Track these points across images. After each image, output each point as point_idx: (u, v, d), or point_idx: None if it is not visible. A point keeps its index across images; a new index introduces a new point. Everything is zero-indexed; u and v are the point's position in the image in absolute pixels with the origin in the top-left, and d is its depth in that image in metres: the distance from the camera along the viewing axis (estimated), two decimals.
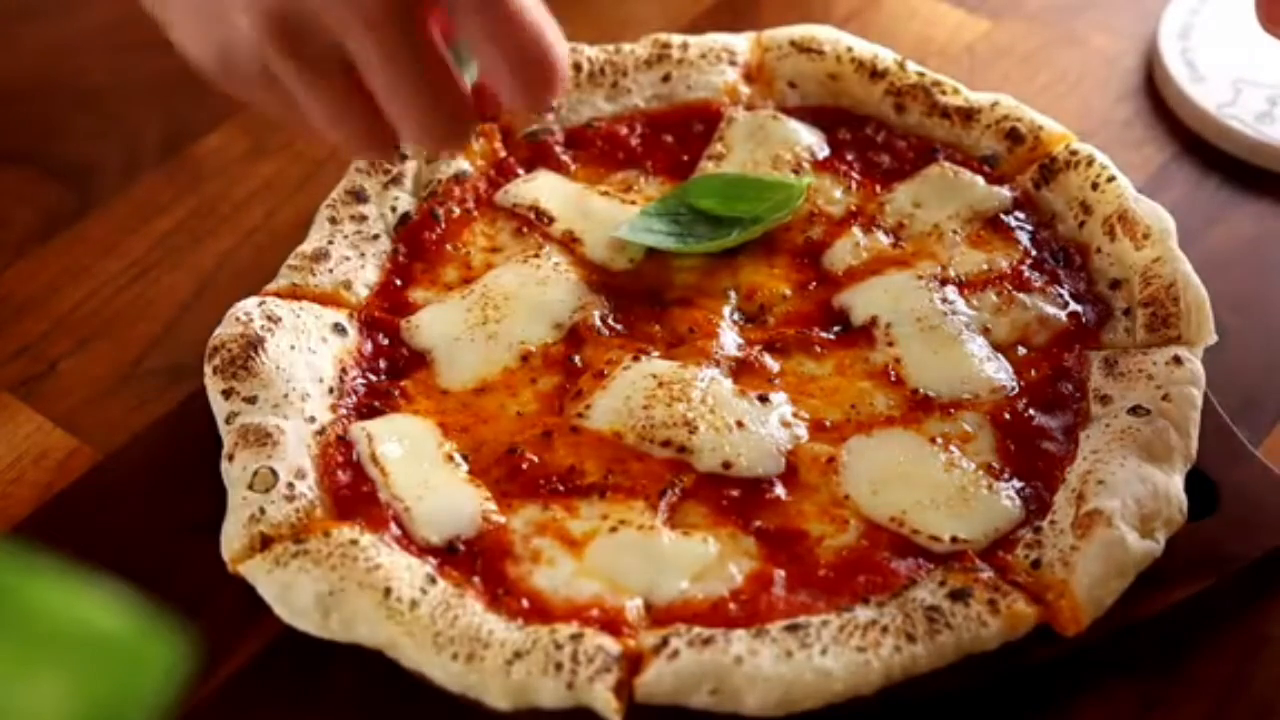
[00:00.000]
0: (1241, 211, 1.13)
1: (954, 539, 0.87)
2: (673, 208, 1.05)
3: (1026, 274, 1.01)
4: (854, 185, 1.08)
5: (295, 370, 0.93)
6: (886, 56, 1.12)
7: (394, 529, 0.87)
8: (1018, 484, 0.90)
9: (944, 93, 1.10)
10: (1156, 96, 1.21)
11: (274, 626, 0.85)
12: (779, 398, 0.95)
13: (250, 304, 0.97)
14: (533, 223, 1.05)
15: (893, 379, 0.96)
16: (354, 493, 0.89)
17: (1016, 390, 0.95)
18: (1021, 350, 0.97)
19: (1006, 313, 0.99)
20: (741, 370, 0.96)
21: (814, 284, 1.02)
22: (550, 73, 0.79)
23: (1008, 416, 0.93)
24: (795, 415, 0.94)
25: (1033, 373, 0.96)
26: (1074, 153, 1.05)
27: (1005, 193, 1.05)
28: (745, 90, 1.13)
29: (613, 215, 1.05)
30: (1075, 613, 0.83)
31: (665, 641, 0.81)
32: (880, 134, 1.10)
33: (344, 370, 0.96)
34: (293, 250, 1.01)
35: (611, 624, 0.83)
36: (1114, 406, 0.92)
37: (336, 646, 0.84)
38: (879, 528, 0.88)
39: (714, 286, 1.02)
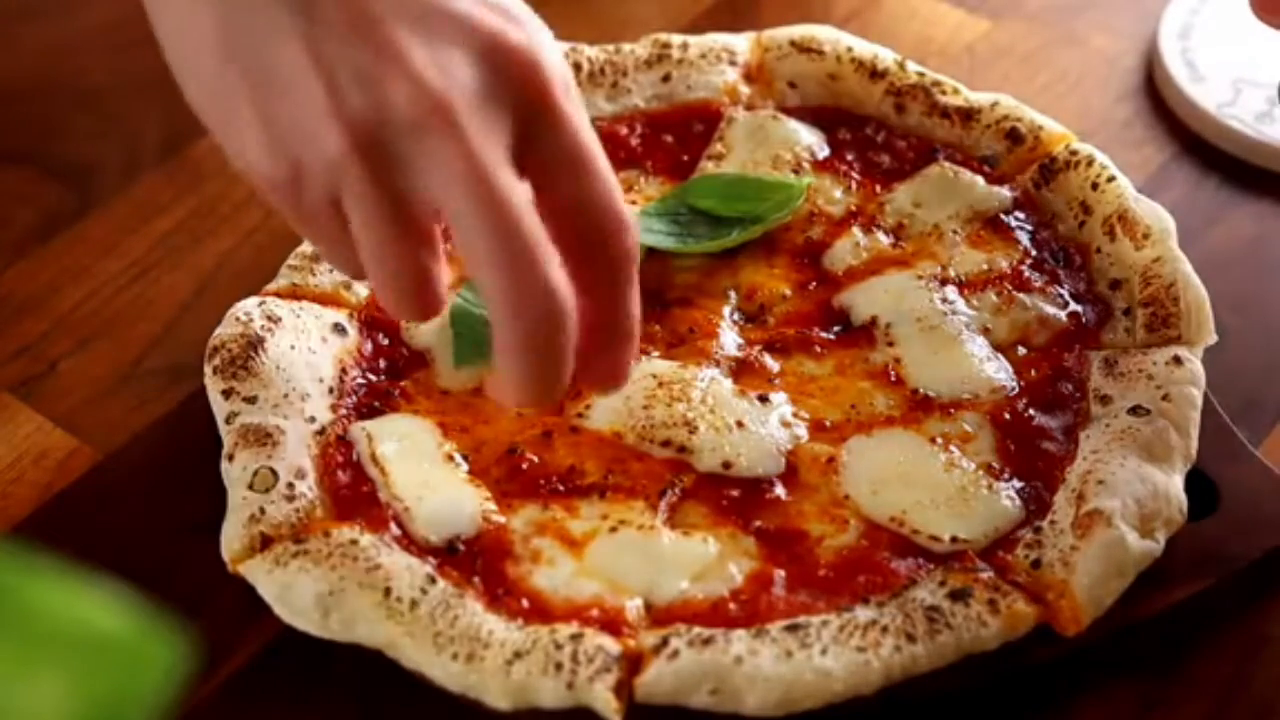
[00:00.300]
0: (1241, 211, 1.12)
1: (954, 539, 0.87)
2: (672, 208, 1.05)
3: (1026, 274, 1.01)
4: (854, 185, 1.07)
5: (295, 370, 0.93)
6: (886, 56, 1.12)
7: (394, 529, 0.87)
8: (1018, 484, 0.90)
9: (944, 93, 1.10)
10: (1156, 96, 1.21)
11: (274, 626, 0.85)
12: (779, 398, 0.94)
13: (250, 304, 0.97)
14: None
15: (893, 379, 0.96)
16: (354, 493, 0.89)
17: (1016, 390, 0.95)
18: (1021, 350, 0.97)
19: (1006, 313, 0.99)
20: (741, 370, 0.96)
21: (814, 284, 1.02)
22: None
23: (1008, 416, 0.93)
24: (795, 415, 0.94)
25: (1033, 373, 0.96)
26: (1074, 153, 1.05)
27: (1005, 193, 1.05)
28: (745, 90, 1.13)
29: None
30: (1075, 613, 0.83)
31: (665, 641, 0.81)
32: (880, 134, 1.10)
33: (344, 370, 0.96)
34: (293, 250, 1.01)
35: (611, 624, 0.83)
36: (1114, 406, 0.92)
37: (336, 646, 0.84)
38: (879, 528, 0.88)
39: (714, 286, 1.02)
